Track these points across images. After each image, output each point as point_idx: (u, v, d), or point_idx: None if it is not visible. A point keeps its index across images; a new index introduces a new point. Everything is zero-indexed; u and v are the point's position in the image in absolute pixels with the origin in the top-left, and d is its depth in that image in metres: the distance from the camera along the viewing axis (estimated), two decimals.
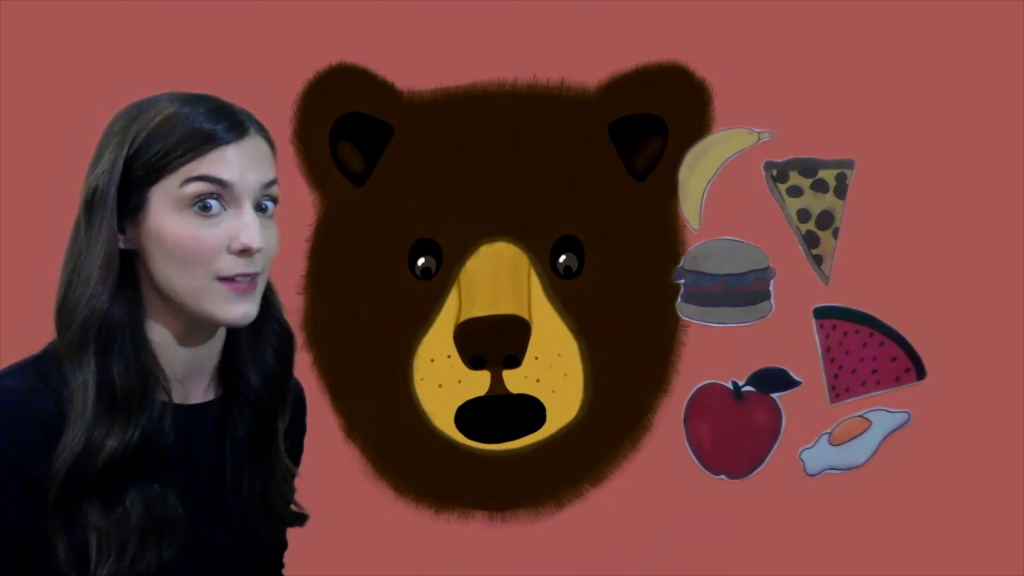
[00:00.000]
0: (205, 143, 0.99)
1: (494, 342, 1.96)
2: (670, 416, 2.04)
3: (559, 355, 2.00)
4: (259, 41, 1.93)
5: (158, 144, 0.99)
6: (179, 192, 0.98)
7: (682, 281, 2.03)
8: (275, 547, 1.21)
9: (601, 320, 2.01)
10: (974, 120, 2.00)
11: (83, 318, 0.99)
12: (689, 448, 2.04)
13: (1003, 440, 2.04)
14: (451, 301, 1.99)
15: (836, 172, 2.02)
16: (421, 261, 2.00)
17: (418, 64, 1.96)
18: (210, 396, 1.10)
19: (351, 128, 1.97)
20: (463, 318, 1.97)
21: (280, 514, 1.15)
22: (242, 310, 1.02)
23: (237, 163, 1.00)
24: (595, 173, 2.01)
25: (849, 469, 2.04)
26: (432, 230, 1.99)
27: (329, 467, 1.87)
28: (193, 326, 1.05)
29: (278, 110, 1.93)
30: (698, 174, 2.01)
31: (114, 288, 1.00)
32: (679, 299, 2.03)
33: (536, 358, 1.98)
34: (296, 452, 1.26)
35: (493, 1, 1.96)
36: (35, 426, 0.98)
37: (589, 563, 2.03)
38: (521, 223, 2.00)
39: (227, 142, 1.00)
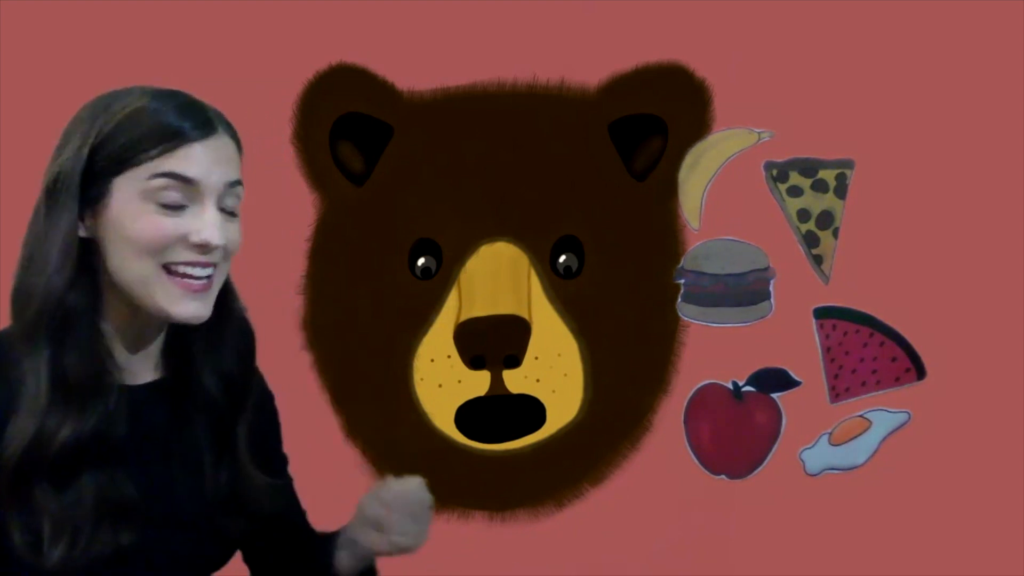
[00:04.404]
0: (172, 139, 1.00)
1: (494, 342, 1.96)
2: (670, 416, 2.04)
3: (559, 355, 2.00)
4: (259, 41, 1.93)
5: (124, 136, 1.00)
6: (145, 185, 0.99)
7: (682, 281, 2.03)
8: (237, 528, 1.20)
9: (601, 320, 2.01)
10: (974, 120, 2.00)
11: (39, 303, 1.00)
12: (689, 448, 2.04)
13: (1003, 440, 2.04)
14: (451, 301, 1.99)
15: (836, 172, 2.02)
16: (421, 261, 2.00)
17: (418, 64, 1.96)
18: (156, 375, 1.11)
19: (351, 128, 1.97)
20: (463, 318, 1.97)
21: (251, 511, 1.15)
22: (193, 309, 1.03)
23: (203, 161, 1.01)
24: (595, 173, 2.01)
25: (849, 469, 2.04)
26: (432, 230, 1.99)
27: (329, 467, 1.87)
28: (146, 316, 1.06)
29: (278, 110, 1.93)
30: (698, 174, 2.01)
31: (72, 274, 1.00)
32: (679, 299, 2.03)
33: (536, 358, 1.98)
34: (271, 452, 1.25)
35: (493, 1, 1.96)
36: None
37: (589, 563, 2.02)
38: (521, 223, 2.00)
39: (194, 139, 1.01)
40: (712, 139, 2.01)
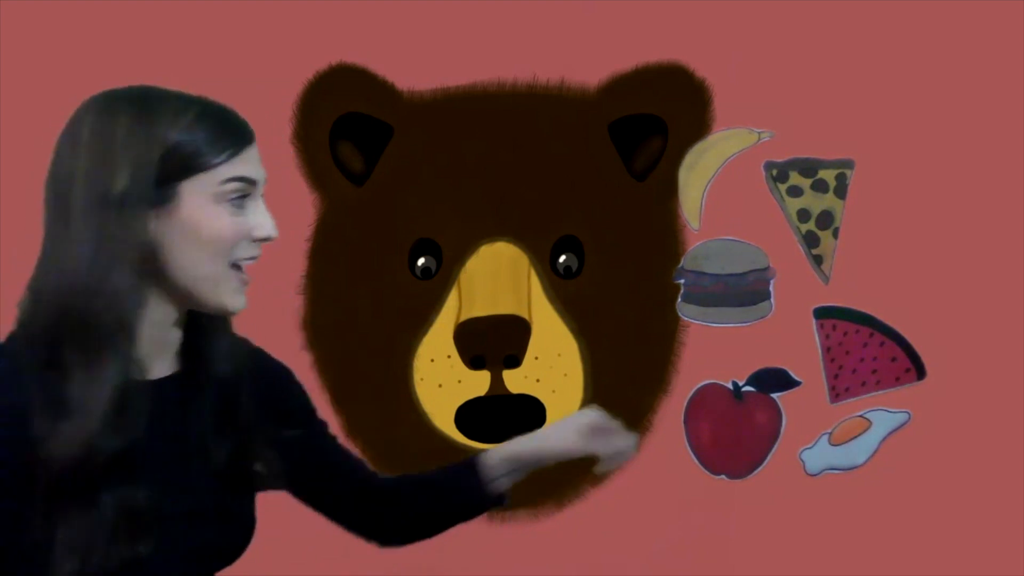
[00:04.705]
0: (235, 145, 1.05)
1: (494, 342, 1.96)
2: (670, 416, 2.04)
3: (559, 355, 2.00)
4: (259, 41, 1.93)
5: (193, 143, 1.03)
6: (218, 188, 1.03)
7: (682, 281, 2.03)
8: (250, 516, 1.22)
9: (601, 320, 2.01)
10: (974, 120, 2.00)
11: (114, 318, 1.00)
12: (689, 448, 2.04)
13: (1003, 440, 2.04)
14: (451, 301, 1.99)
15: (836, 172, 2.02)
16: (421, 261, 2.00)
17: (418, 64, 1.96)
18: (170, 370, 1.11)
19: (351, 128, 1.97)
20: (463, 318, 1.97)
21: (253, 485, 1.18)
22: (243, 301, 1.09)
23: (256, 161, 1.08)
24: (595, 173, 2.01)
25: (849, 469, 2.04)
26: (432, 230, 1.99)
27: None
28: (178, 311, 1.08)
29: (278, 110, 1.93)
30: (698, 174, 2.01)
31: (144, 285, 1.03)
32: (679, 299, 2.03)
33: (536, 358, 1.98)
34: (305, 415, 1.31)
35: (493, 1, 1.96)
36: (8, 409, 0.99)
37: (589, 563, 2.02)
38: (521, 223, 2.00)
39: (249, 142, 1.07)
40: (712, 139, 2.01)
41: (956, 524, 2.03)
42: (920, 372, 2.04)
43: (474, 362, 1.97)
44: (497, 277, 1.98)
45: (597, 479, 2.04)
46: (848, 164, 2.02)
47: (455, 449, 2.01)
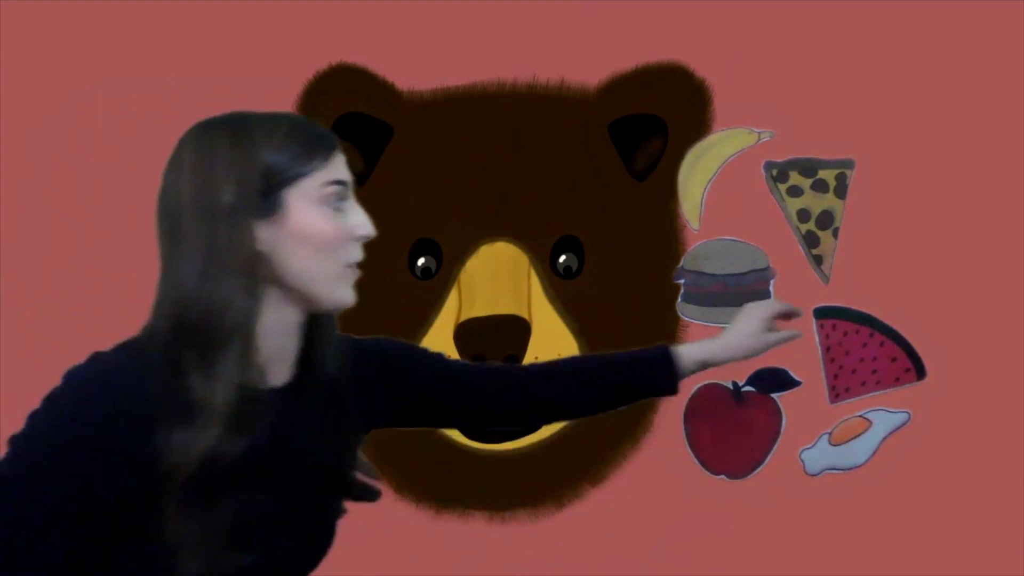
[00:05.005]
0: (329, 149, 1.12)
1: (494, 342, 1.96)
2: (670, 416, 2.04)
3: (559, 355, 1.99)
4: (259, 41, 1.93)
5: (287, 157, 1.08)
6: (320, 192, 1.09)
7: (682, 281, 2.03)
8: (335, 527, 1.26)
9: (601, 320, 2.01)
10: (974, 120, 2.00)
11: (228, 322, 1.03)
12: (689, 448, 2.04)
13: (1003, 440, 2.04)
14: (451, 301, 1.99)
15: (836, 172, 2.02)
16: (421, 261, 2.00)
17: (418, 64, 1.96)
18: (288, 378, 1.14)
19: (351, 128, 1.97)
20: (463, 318, 1.97)
21: (350, 490, 1.23)
22: (353, 294, 1.15)
23: (344, 166, 1.14)
24: (595, 173, 2.01)
25: (849, 469, 2.04)
26: (432, 230, 1.99)
27: None
28: (296, 317, 1.11)
29: (278, 110, 1.93)
30: (698, 174, 2.01)
31: (257, 292, 1.06)
32: (679, 299, 2.03)
33: (536, 358, 1.98)
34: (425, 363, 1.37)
35: (493, 1, 1.96)
36: (138, 405, 1.01)
37: (589, 563, 2.03)
38: (521, 223, 2.00)
39: (336, 149, 1.14)
40: (712, 139, 2.01)
41: (956, 524, 2.03)
42: (920, 372, 2.04)
43: (474, 362, 1.96)
44: (497, 277, 1.98)
45: (597, 479, 2.05)
46: (848, 164, 2.02)
47: (455, 449, 2.01)
